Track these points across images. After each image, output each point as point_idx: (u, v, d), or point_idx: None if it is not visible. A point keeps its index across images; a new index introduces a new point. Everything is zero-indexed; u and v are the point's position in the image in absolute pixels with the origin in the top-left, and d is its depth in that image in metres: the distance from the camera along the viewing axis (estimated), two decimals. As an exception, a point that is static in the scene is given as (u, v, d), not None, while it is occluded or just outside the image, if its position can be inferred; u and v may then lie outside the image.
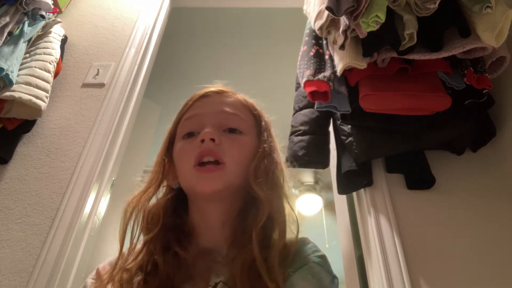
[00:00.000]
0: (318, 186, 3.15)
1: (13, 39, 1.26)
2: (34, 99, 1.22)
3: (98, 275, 0.63)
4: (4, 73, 1.16)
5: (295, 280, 0.54)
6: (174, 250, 0.59)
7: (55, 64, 1.37)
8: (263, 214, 0.57)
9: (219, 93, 0.70)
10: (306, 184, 3.12)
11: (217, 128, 0.63)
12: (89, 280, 0.63)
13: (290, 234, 0.62)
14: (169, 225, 0.63)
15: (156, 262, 0.59)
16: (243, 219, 0.60)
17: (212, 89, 0.70)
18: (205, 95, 0.70)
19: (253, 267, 0.53)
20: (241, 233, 0.58)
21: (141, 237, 0.63)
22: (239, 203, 0.63)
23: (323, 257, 0.60)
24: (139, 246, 0.62)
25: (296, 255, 0.58)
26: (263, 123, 0.70)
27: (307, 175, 3.08)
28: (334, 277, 0.58)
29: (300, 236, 0.62)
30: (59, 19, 1.49)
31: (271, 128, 0.72)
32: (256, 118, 0.70)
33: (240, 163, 0.62)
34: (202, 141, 0.60)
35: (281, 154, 0.70)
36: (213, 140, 0.60)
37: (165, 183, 0.69)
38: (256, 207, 0.59)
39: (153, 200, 0.66)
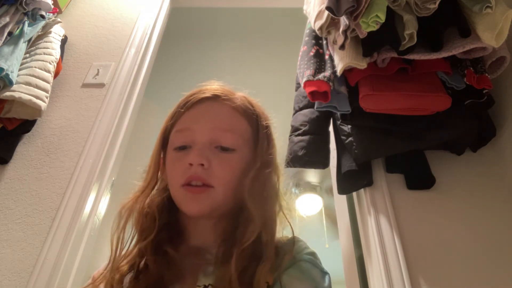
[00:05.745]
0: (319, 188, 3.15)
1: (13, 39, 1.26)
2: (34, 99, 1.22)
3: (93, 280, 0.64)
4: (4, 73, 1.16)
5: (286, 280, 0.54)
6: (165, 249, 0.59)
7: (55, 64, 1.37)
8: (252, 233, 0.56)
9: (214, 99, 0.65)
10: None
11: (208, 146, 0.61)
12: None
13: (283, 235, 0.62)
14: (163, 225, 0.63)
15: (148, 262, 0.59)
16: (234, 228, 0.59)
17: (207, 94, 0.66)
18: (199, 102, 0.65)
19: (244, 275, 0.53)
20: (230, 242, 0.57)
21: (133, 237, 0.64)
22: (231, 215, 0.62)
23: (312, 254, 0.60)
24: (131, 247, 0.63)
25: (286, 255, 0.58)
26: (262, 131, 0.67)
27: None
28: (325, 273, 0.58)
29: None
30: (59, 19, 1.49)
31: (271, 134, 0.69)
32: (253, 126, 0.66)
33: (229, 184, 0.60)
34: (191, 164, 0.59)
35: (279, 163, 0.68)
36: (202, 165, 0.59)
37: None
38: (247, 223, 0.58)
39: (148, 200, 0.66)
